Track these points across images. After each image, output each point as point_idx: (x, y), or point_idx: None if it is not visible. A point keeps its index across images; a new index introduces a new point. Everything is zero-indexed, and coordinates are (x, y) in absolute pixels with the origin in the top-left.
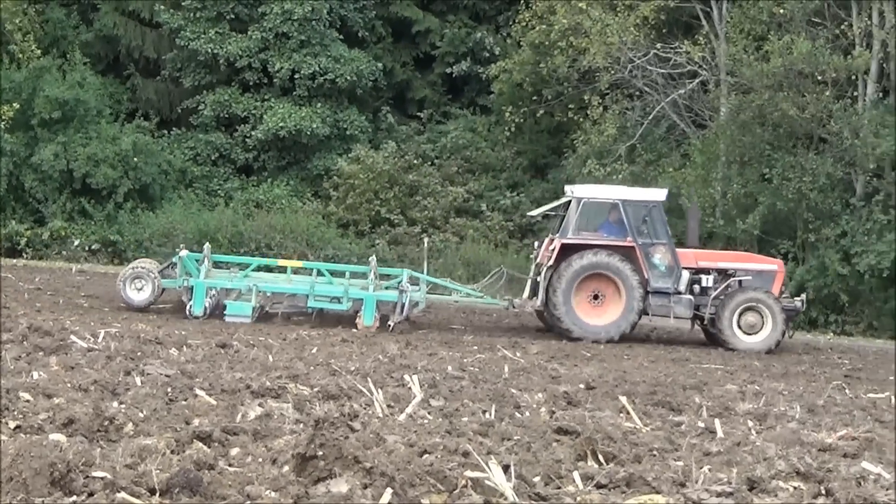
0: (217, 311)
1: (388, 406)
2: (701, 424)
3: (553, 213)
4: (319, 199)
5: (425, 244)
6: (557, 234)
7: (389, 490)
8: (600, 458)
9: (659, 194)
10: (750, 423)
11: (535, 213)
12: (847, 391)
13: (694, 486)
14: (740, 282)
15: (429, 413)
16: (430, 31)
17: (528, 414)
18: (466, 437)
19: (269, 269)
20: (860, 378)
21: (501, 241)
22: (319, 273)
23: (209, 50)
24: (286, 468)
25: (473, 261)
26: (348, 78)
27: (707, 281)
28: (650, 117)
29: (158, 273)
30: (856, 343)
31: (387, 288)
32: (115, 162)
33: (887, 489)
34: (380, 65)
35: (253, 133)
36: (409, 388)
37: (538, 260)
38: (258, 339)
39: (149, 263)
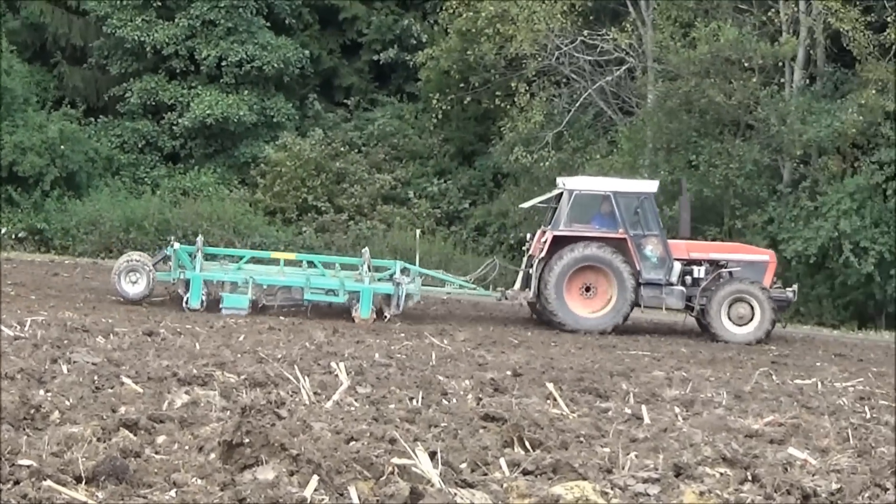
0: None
1: (315, 393)
2: (628, 411)
3: (544, 205)
4: (246, 186)
5: (417, 235)
6: (549, 227)
7: (316, 477)
8: (527, 444)
9: (650, 186)
10: (677, 410)
11: (526, 204)
12: (774, 377)
13: (620, 472)
14: (730, 273)
15: (356, 400)
16: (357, 18)
17: (454, 401)
18: (393, 424)
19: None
20: (787, 364)
21: (428, 229)
22: (312, 265)
23: (136, 37)
24: (212, 456)
25: (401, 248)
26: (275, 65)
27: (699, 272)
28: (577, 104)
29: (153, 266)
30: (783, 330)
31: (379, 280)
32: (42, 150)
33: (813, 474)
34: (307, 52)
35: (180, 121)
36: (336, 376)
37: (530, 252)
38: (185, 328)
39: (141, 256)
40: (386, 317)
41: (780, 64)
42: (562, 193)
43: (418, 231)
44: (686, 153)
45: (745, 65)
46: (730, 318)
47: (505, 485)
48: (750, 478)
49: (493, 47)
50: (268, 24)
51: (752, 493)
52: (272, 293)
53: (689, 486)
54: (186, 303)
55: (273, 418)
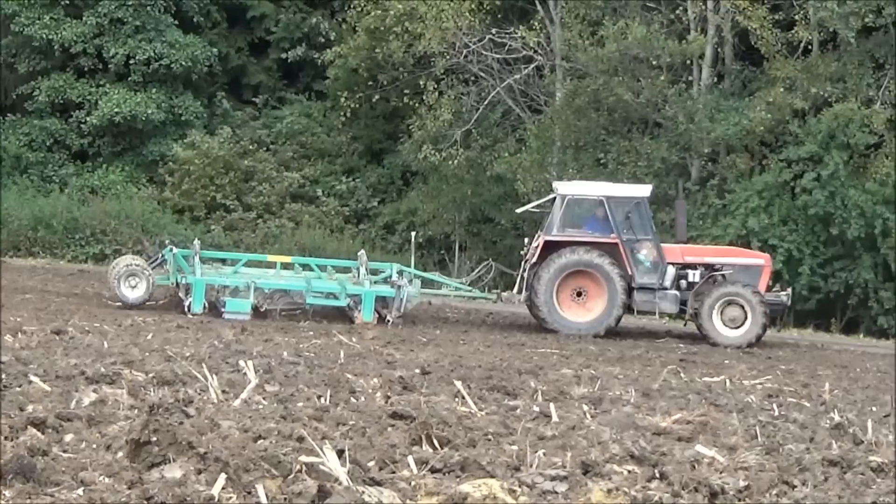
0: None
1: (223, 392)
2: (536, 409)
3: (538, 209)
4: (155, 184)
5: (412, 238)
6: (542, 231)
7: (223, 475)
8: (435, 442)
9: (643, 190)
10: (585, 408)
11: (521, 209)
12: (682, 375)
13: (528, 469)
14: (724, 276)
15: (264, 398)
16: (266, 16)
17: (363, 399)
18: (301, 422)
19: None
20: (695, 362)
21: (337, 227)
22: (308, 268)
23: (44, 35)
24: (120, 454)
25: (309, 246)
26: (183, 63)
27: (694, 276)
28: (486, 102)
29: (151, 268)
30: (692, 328)
31: (375, 283)
32: None
33: (721, 472)
34: (215, 50)
35: (88, 119)
36: (244, 374)
37: (526, 256)
38: (94, 326)
39: (139, 260)
40: (388, 320)
41: (689, 62)
42: (555, 198)
43: (413, 234)
44: (594, 151)
45: (654, 63)
46: (722, 321)
47: (413, 483)
48: (658, 475)
49: (402, 45)
50: (176, 22)
51: (659, 491)
52: (273, 297)
53: (596, 483)
54: (188, 308)
55: (181, 416)
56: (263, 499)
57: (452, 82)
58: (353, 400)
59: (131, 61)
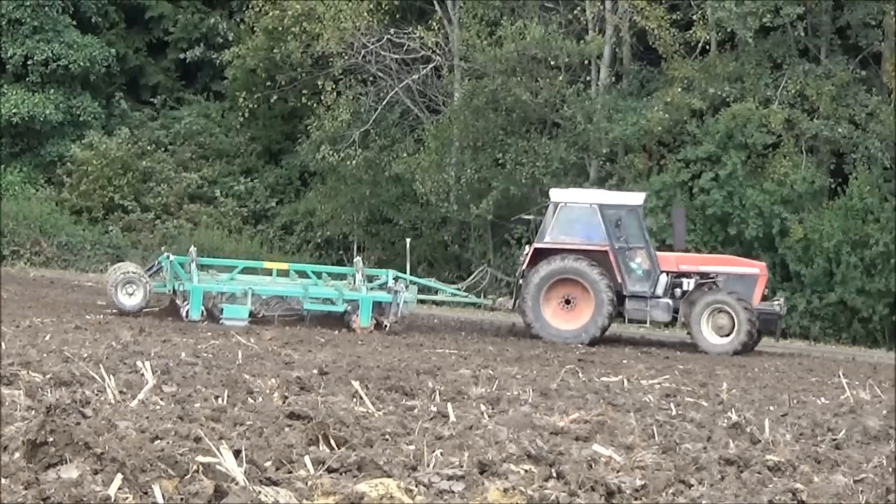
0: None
1: (121, 392)
2: (434, 409)
3: (529, 216)
4: (53, 185)
5: (407, 244)
6: (536, 239)
7: (120, 475)
8: (332, 442)
9: (635, 199)
10: (483, 408)
11: (517, 218)
12: (580, 375)
13: (425, 469)
14: (716, 284)
15: (161, 399)
16: (164, 16)
17: (260, 399)
18: (198, 422)
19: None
20: (594, 362)
21: (235, 227)
22: (305, 275)
23: None
24: (17, 455)
25: (207, 247)
26: (81, 64)
27: (688, 285)
28: (384, 103)
29: (148, 275)
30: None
31: (372, 288)
32: None
33: (618, 471)
34: (113, 51)
35: None
36: (142, 375)
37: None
38: None
39: (134, 267)
40: (385, 325)
41: (587, 62)
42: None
43: (409, 240)
44: (493, 151)
45: (552, 63)
46: (711, 330)
47: (310, 483)
48: (554, 475)
49: (300, 45)
50: (74, 22)
51: (556, 490)
52: (270, 303)
53: (493, 483)
54: (187, 315)
55: (78, 417)
56: (160, 499)
57: (351, 82)
58: (250, 400)
59: (29, 62)
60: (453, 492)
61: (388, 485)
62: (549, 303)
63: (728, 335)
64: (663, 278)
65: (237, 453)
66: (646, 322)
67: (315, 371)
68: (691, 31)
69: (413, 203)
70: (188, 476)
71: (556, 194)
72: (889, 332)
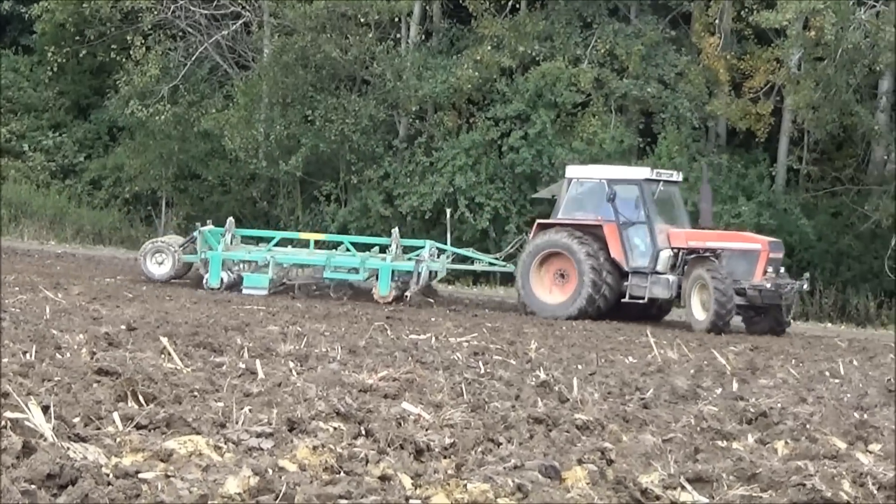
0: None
1: None
2: (242, 365)
3: (547, 195)
4: None
5: (448, 214)
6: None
7: None
8: (140, 398)
9: (640, 172)
10: (291, 365)
11: (535, 195)
12: (389, 332)
13: (234, 426)
14: (716, 258)
15: None
16: None
17: (68, 355)
18: (6, 378)
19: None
20: (402, 320)
21: (44, 182)
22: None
23: None
24: None
25: (15, 202)
26: None
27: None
28: (193, 58)
29: (180, 248)
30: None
31: (409, 259)
32: None
33: (427, 429)
34: None
35: None
36: None
37: None
38: None
39: (171, 238)
40: (406, 295)
41: (397, 20)
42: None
43: (449, 210)
44: (302, 108)
45: (362, 20)
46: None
47: (118, 439)
48: (363, 432)
49: (109, 0)
50: None
51: (365, 448)
52: (292, 272)
53: (302, 440)
54: (206, 282)
55: None
56: None
57: (160, 38)
58: (58, 356)
59: None
60: (262, 449)
61: (196, 441)
62: (545, 276)
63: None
64: (665, 254)
65: (45, 409)
66: (644, 298)
67: (123, 327)
68: None
69: (222, 159)
70: None
71: (570, 170)
72: None
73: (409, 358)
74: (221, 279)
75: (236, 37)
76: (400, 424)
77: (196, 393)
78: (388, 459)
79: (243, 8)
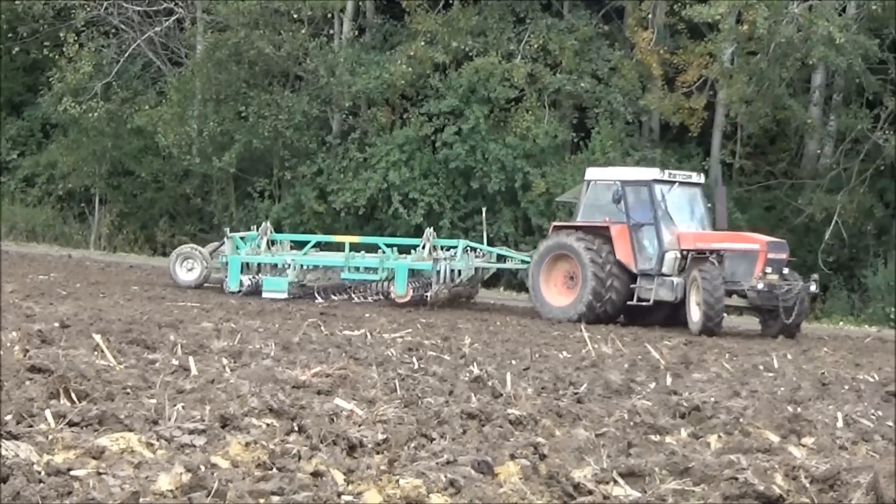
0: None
1: None
2: (175, 362)
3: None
4: None
5: (483, 213)
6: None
7: None
8: (73, 396)
9: (648, 174)
10: (224, 361)
11: (560, 199)
12: (322, 328)
13: (167, 423)
14: (718, 260)
15: None
16: None
17: (1, 353)
18: None
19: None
20: (335, 315)
21: None
22: (377, 248)
23: None
24: None
25: None
26: None
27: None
28: (126, 55)
29: (210, 254)
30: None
31: (445, 259)
32: None
33: (360, 425)
34: None
35: None
36: None
37: None
38: None
39: (198, 248)
40: (426, 296)
41: (330, 16)
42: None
43: (484, 209)
44: (235, 104)
45: (295, 16)
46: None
47: (50, 436)
48: (296, 428)
49: None
50: None
51: (298, 444)
52: (311, 274)
53: (235, 437)
54: (226, 286)
55: None
56: None
57: (93, 34)
58: None
59: None
60: (194, 446)
61: (129, 438)
62: (555, 279)
63: None
64: (670, 256)
65: None
66: (650, 301)
67: (56, 324)
68: None
69: (155, 156)
70: None
71: (589, 172)
72: None
73: (343, 354)
74: (241, 282)
75: (169, 33)
76: (333, 420)
77: (129, 390)
78: (321, 455)
79: (176, 4)
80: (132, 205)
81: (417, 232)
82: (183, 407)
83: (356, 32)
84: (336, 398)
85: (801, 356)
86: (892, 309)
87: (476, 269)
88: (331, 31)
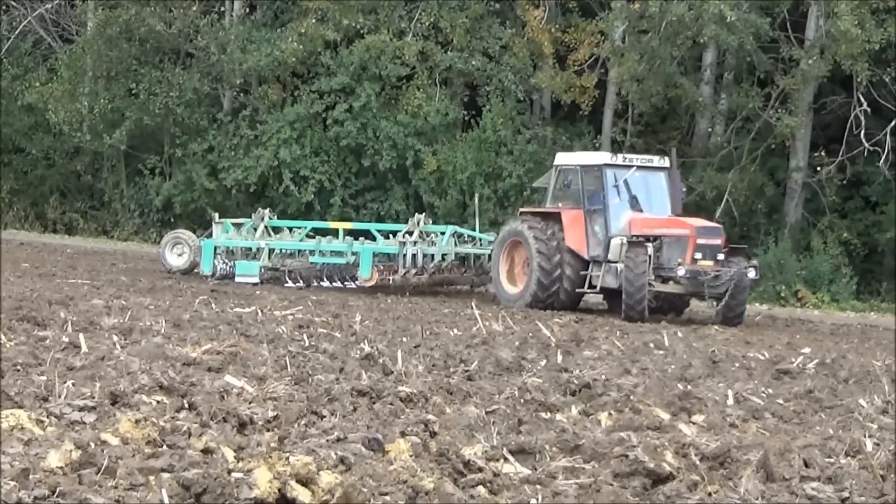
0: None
1: None
2: (66, 339)
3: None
4: None
5: (476, 199)
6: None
7: None
8: None
9: (598, 158)
10: (115, 338)
11: (536, 183)
12: (213, 306)
13: (57, 400)
14: (658, 245)
15: None
16: None
17: None
18: None
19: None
20: (227, 293)
21: None
22: (368, 233)
23: None
24: None
25: None
26: None
27: (649, 249)
28: (17, 32)
29: (199, 240)
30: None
31: (415, 243)
32: None
33: (250, 402)
34: None
35: None
36: None
37: None
38: None
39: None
40: (390, 280)
41: None
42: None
43: (477, 194)
44: (126, 81)
45: None
46: None
47: None
48: (186, 406)
49: None
50: None
51: (188, 421)
52: (281, 258)
53: (125, 414)
54: (200, 270)
55: None
56: None
57: None
58: None
59: None
60: (85, 423)
61: (18, 416)
62: (515, 265)
63: None
64: (615, 242)
65: None
66: (597, 288)
67: None
68: None
69: (46, 133)
70: None
71: (558, 158)
72: None
73: (234, 331)
74: (214, 266)
75: (60, 10)
76: (223, 398)
77: (18, 367)
78: (211, 432)
79: None
80: (22, 182)
81: (308, 209)
82: (73, 384)
83: (247, 9)
84: (226, 375)
85: (691, 334)
86: (783, 287)
87: (469, 255)
88: (222, 9)
